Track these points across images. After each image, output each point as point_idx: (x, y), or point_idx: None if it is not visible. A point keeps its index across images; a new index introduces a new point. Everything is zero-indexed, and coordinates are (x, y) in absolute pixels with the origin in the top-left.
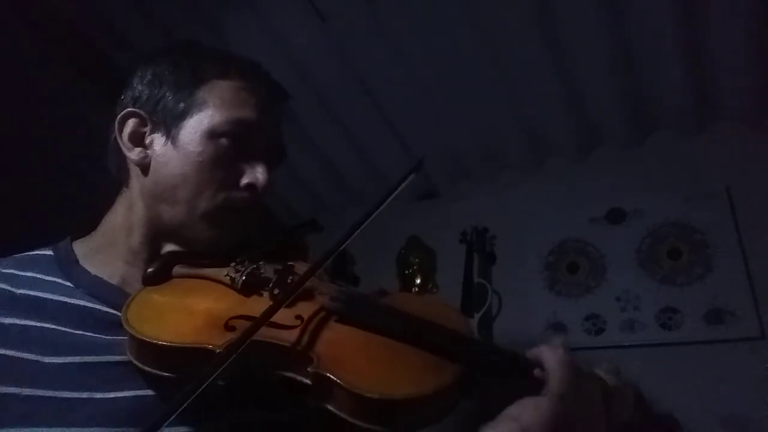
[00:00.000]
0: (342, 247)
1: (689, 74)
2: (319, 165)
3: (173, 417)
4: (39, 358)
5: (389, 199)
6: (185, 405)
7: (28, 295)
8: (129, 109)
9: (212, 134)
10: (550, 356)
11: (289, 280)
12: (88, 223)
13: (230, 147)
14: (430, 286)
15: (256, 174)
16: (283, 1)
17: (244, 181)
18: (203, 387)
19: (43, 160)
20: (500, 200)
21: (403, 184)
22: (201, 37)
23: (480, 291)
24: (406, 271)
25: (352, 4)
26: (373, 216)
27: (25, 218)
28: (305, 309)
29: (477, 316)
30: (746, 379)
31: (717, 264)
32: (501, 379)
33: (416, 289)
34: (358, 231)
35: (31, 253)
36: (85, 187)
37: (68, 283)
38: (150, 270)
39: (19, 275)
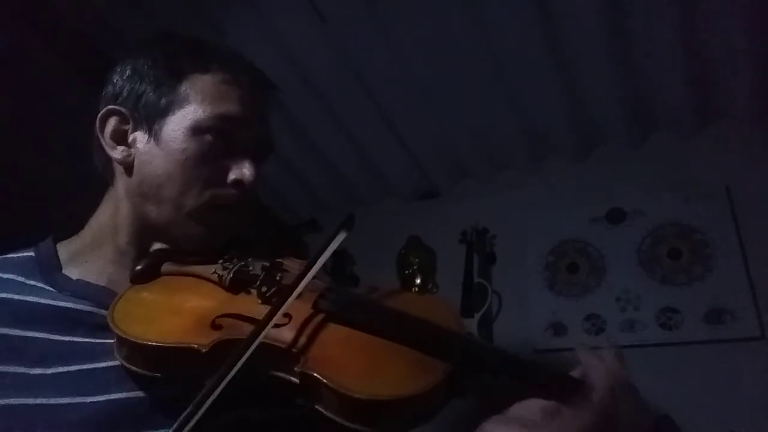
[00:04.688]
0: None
1: (689, 74)
2: (319, 165)
3: (191, 424)
4: (26, 370)
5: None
6: (200, 413)
7: (11, 299)
8: (110, 107)
9: (196, 130)
10: (596, 366)
11: (277, 277)
12: (76, 223)
13: (215, 143)
14: (430, 286)
15: (242, 170)
16: (283, 1)
17: (231, 177)
18: (215, 395)
19: (41, 159)
20: (500, 200)
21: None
22: (201, 37)
23: (480, 291)
24: (406, 271)
25: (352, 4)
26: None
27: (24, 217)
28: (295, 307)
29: (477, 316)
30: (746, 379)
31: (717, 264)
32: (495, 379)
33: (416, 289)
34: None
35: (11, 255)
36: (85, 186)
37: (50, 288)
38: (138, 268)
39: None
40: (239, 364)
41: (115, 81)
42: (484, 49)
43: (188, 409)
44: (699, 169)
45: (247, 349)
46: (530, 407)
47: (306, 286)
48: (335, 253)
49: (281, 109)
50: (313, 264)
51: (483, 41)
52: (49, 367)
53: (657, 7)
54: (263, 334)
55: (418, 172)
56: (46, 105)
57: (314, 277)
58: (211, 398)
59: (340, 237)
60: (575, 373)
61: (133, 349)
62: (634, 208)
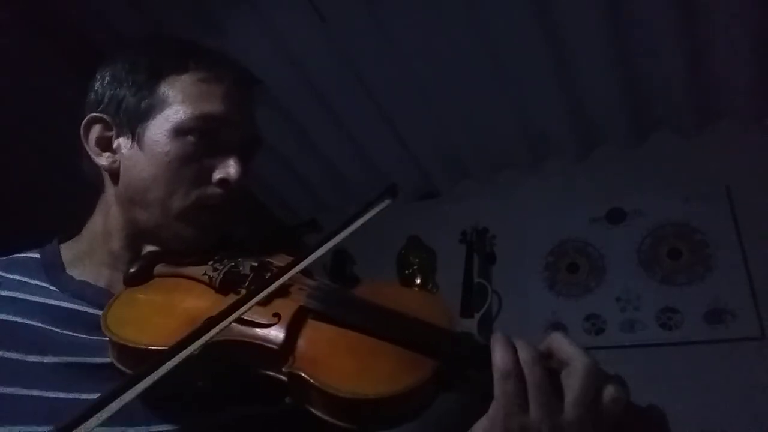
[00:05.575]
0: (305, 263)
1: (689, 74)
2: (319, 165)
3: (97, 414)
4: (23, 357)
5: (364, 219)
6: (120, 402)
7: (13, 297)
8: (92, 115)
9: (178, 132)
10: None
11: (266, 277)
12: (76, 224)
13: (198, 143)
14: (430, 286)
15: (227, 169)
16: (283, 1)
17: (216, 176)
18: (147, 384)
19: (41, 159)
20: (500, 200)
21: (378, 208)
22: (201, 37)
23: (480, 291)
24: (406, 271)
25: (352, 4)
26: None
27: (24, 217)
28: (283, 306)
29: (477, 316)
30: (746, 379)
31: (717, 264)
32: (485, 374)
33: (416, 289)
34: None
35: (17, 255)
36: (85, 186)
37: (54, 288)
38: (130, 271)
39: (4, 276)
40: (201, 342)
41: (96, 88)
42: (484, 49)
43: (127, 378)
44: (699, 169)
45: (194, 339)
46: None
47: (295, 285)
48: (335, 252)
49: (281, 109)
50: (351, 223)
51: (483, 41)
52: (45, 355)
53: (657, 8)
54: (236, 314)
55: (418, 172)
56: (46, 105)
57: (306, 274)
58: (162, 372)
59: (383, 204)
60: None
61: (126, 352)
62: (634, 208)
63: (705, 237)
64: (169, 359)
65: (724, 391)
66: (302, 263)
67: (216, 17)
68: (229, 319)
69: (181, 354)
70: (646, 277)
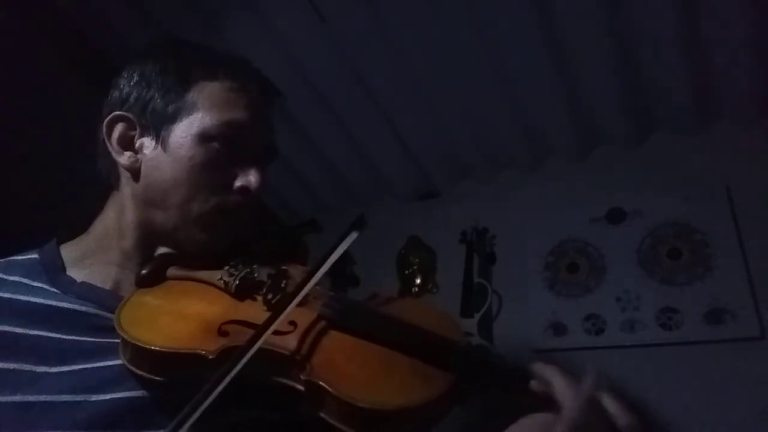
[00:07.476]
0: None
1: (689, 74)
2: (319, 165)
3: (187, 425)
4: (32, 368)
5: (333, 257)
6: (196, 415)
7: (16, 299)
8: (117, 113)
9: (203, 138)
10: (564, 385)
11: (282, 285)
12: (79, 224)
13: (222, 150)
14: (430, 286)
15: (248, 177)
16: (283, 1)
17: (237, 184)
18: (212, 397)
19: (40, 160)
20: (500, 200)
21: (347, 242)
22: (201, 37)
23: (480, 291)
24: (406, 271)
25: (352, 4)
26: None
27: (24, 216)
28: (300, 315)
29: (477, 316)
30: (746, 379)
31: (717, 264)
32: (499, 388)
33: (416, 289)
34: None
35: (15, 257)
36: (86, 188)
37: (55, 290)
38: (144, 272)
39: (4, 279)
40: (236, 370)
41: (121, 86)
42: (484, 48)
43: (184, 411)
44: (699, 169)
45: (245, 354)
46: (527, 427)
47: (311, 294)
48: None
49: (281, 110)
50: (322, 263)
51: (483, 41)
52: (53, 365)
53: (657, 7)
54: (263, 338)
55: (418, 172)
56: (46, 104)
57: (318, 285)
58: (208, 401)
59: (351, 237)
60: (535, 386)
61: (140, 353)
62: (634, 208)
63: (705, 237)
64: (229, 370)
65: (724, 391)
66: (323, 268)
67: (216, 17)
68: (271, 329)
69: (236, 367)
70: (646, 277)
